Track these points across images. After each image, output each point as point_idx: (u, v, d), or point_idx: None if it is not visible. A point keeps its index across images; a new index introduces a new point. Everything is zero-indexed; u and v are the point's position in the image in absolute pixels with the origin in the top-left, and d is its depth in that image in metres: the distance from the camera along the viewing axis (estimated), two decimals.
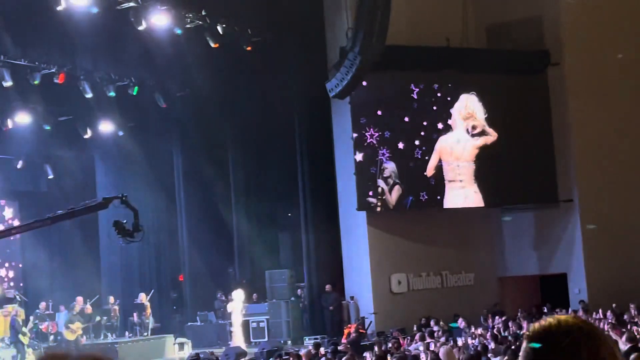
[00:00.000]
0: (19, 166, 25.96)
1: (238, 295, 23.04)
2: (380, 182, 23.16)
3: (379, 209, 23.35)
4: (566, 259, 25.34)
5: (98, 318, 23.90)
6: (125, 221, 16.15)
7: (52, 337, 23.15)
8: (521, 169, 24.85)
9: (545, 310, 23.04)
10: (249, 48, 22.60)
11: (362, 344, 20.06)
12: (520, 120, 25.12)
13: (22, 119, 23.81)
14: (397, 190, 23.24)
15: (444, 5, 24.97)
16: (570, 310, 22.22)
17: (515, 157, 24.93)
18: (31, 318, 22.52)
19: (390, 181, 23.17)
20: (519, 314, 22.21)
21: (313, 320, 24.47)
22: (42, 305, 23.94)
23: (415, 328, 21.80)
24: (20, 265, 28.34)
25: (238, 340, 22.63)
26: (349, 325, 22.70)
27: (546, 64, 25.23)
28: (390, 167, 23.15)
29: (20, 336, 21.37)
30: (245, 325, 24.30)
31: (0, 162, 26.36)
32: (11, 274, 28.04)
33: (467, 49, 24.63)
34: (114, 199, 16.06)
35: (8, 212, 28.58)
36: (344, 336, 21.74)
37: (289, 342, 23.30)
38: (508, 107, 25.09)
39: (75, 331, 22.38)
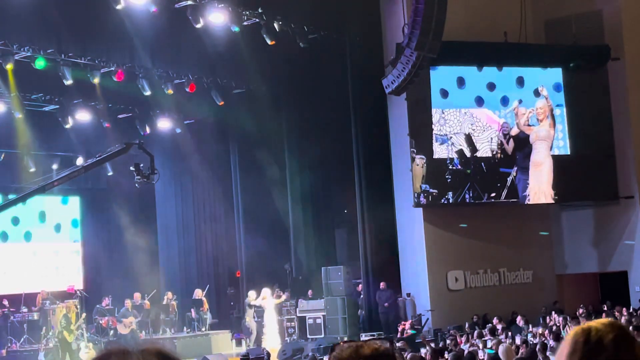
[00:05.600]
0: (78, 163, 26.33)
1: (267, 293, 23.10)
2: (500, 136, 23.80)
3: (499, 155, 23.70)
4: (626, 256, 24.96)
5: (153, 316, 24.10)
6: (142, 164, 17.92)
7: (112, 332, 23.47)
8: (581, 166, 24.55)
9: (605, 309, 22.74)
10: (305, 45, 22.64)
11: (417, 340, 19.99)
12: (579, 116, 24.84)
13: (82, 116, 24.19)
14: (512, 142, 24.02)
15: None
16: (630, 308, 21.88)
17: (574, 154, 24.66)
18: (82, 315, 22.69)
19: (508, 136, 23.96)
20: (580, 310, 21.94)
21: (369, 317, 24.43)
22: (105, 301, 24.29)
23: (467, 326, 21.66)
24: (82, 262, 28.75)
25: (270, 339, 22.65)
26: (403, 322, 22.64)
27: (606, 59, 24.84)
28: (507, 126, 24.03)
29: (65, 333, 21.45)
30: (301, 321, 24.41)
31: (61, 159, 26.78)
32: (72, 270, 28.46)
33: (525, 44, 24.35)
34: (133, 144, 18.10)
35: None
36: (399, 332, 21.70)
37: (345, 338, 23.30)
38: (567, 103, 24.83)
39: (128, 325, 22.56)
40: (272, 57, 23.16)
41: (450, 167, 23.28)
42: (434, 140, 23.44)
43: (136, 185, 18.56)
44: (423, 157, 23.25)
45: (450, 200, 23.31)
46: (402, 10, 22.00)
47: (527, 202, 24.32)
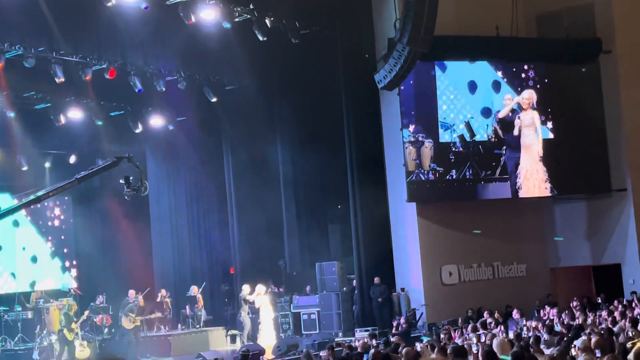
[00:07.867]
0: (71, 161, 26.28)
1: (261, 289, 23.10)
2: (494, 123, 24.65)
3: (493, 139, 24.62)
4: (620, 249, 25.01)
5: (153, 315, 23.99)
6: (131, 177, 18.53)
7: (106, 330, 23.43)
8: (574, 159, 24.61)
9: (600, 301, 22.80)
10: (297, 41, 22.61)
11: (412, 335, 20.02)
12: (572, 110, 24.88)
13: (75, 114, 24.12)
14: (500, 129, 24.92)
15: None
16: (624, 301, 21.93)
17: (567, 147, 24.70)
18: (85, 312, 22.71)
19: (499, 123, 24.91)
20: (572, 304, 21.99)
21: (363, 312, 24.45)
22: (99, 299, 24.25)
23: (460, 320, 21.69)
24: (75, 262, 28.68)
25: (265, 336, 22.66)
26: (398, 318, 22.66)
27: (598, 52, 24.88)
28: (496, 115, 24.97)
29: (65, 331, 21.39)
30: (296, 317, 24.43)
31: (54, 157, 26.70)
32: (66, 268, 28.41)
33: (517, 38, 24.39)
34: (123, 158, 18.77)
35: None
36: (394, 328, 21.72)
37: (340, 333, 23.34)
38: (559, 96, 24.87)
39: (134, 321, 22.38)
40: (264, 53, 23.11)
41: (453, 149, 24.34)
42: (439, 127, 24.12)
43: (126, 197, 18.84)
44: (431, 140, 24.00)
45: (454, 177, 24.27)
46: (394, 5, 22.01)
47: (518, 180, 24.56)
